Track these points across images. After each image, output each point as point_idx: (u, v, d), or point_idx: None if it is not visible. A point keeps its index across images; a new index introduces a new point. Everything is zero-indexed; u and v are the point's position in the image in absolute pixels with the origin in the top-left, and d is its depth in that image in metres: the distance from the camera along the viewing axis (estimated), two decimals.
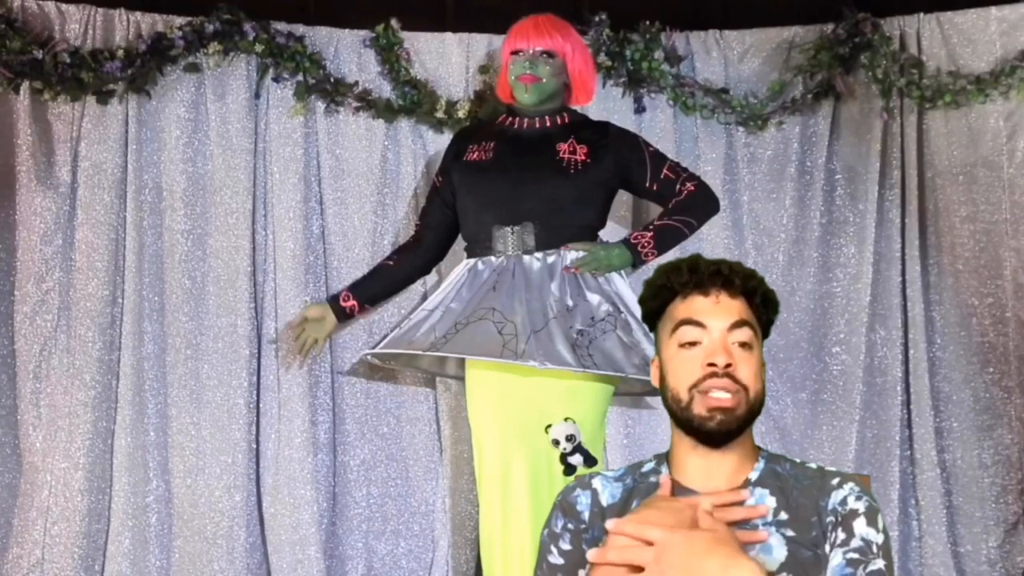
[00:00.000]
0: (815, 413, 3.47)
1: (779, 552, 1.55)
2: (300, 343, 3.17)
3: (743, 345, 1.60)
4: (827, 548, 1.55)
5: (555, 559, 1.63)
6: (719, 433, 1.57)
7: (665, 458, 1.67)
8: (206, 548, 3.22)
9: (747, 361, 1.59)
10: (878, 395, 3.44)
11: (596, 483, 1.66)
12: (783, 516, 1.58)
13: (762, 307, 1.66)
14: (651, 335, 1.79)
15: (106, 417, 3.20)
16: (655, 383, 1.69)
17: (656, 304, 1.68)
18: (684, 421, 1.59)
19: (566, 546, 1.63)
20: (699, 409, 1.57)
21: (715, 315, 1.61)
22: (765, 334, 1.68)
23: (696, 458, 1.61)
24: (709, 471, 1.60)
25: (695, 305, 1.62)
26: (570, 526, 1.63)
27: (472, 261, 2.92)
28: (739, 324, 1.61)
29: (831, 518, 1.57)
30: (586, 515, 1.63)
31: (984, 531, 3.37)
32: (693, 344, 1.60)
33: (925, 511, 3.38)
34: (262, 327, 3.31)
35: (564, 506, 1.65)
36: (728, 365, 1.57)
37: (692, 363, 1.59)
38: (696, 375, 1.58)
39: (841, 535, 1.55)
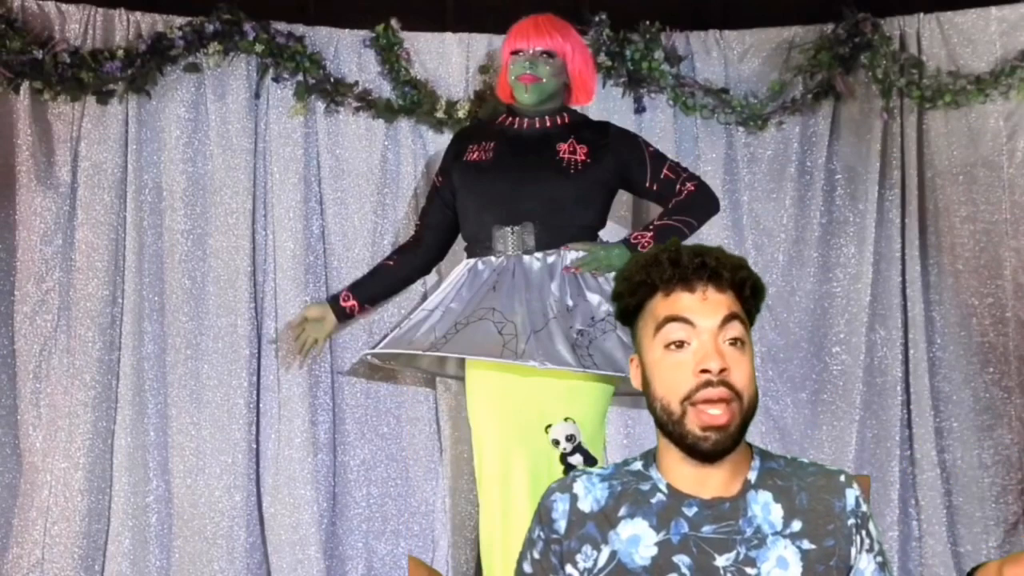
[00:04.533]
0: (815, 413, 3.47)
1: (794, 568, 1.48)
2: (300, 343, 3.16)
3: (735, 342, 1.48)
4: (852, 551, 1.51)
5: (528, 567, 1.57)
6: (714, 453, 1.47)
7: (653, 459, 1.57)
8: (206, 548, 3.22)
9: (741, 362, 1.48)
10: (878, 395, 3.44)
11: (578, 487, 1.56)
12: (796, 526, 1.50)
13: (752, 298, 1.53)
14: None
15: (106, 417, 3.20)
16: (636, 384, 1.59)
17: (634, 301, 1.54)
18: (675, 436, 1.49)
19: (536, 555, 1.56)
20: (692, 426, 1.46)
21: (703, 312, 1.48)
22: (751, 323, 1.57)
23: (687, 467, 1.51)
24: (703, 479, 1.51)
25: (681, 302, 1.49)
26: (542, 535, 1.55)
27: (472, 261, 2.92)
28: (730, 319, 1.48)
29: (852, 520, 1.52)
30: (561, 524, 1.54)
31: (984, 531, 3.37)
32: (680, 345, 1.48)
33: (925, 511, 3.38)
34: (262, 327, 3.31)
35: (541, 512, 1.56)
36: (723, 371, 1.45)
37: (682, 370, 1.47)
38: (688, 385, 1.46)
39: (866, 539, 1.52)
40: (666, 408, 1.49)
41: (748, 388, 1.48)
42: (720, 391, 1.45)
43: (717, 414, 1.45)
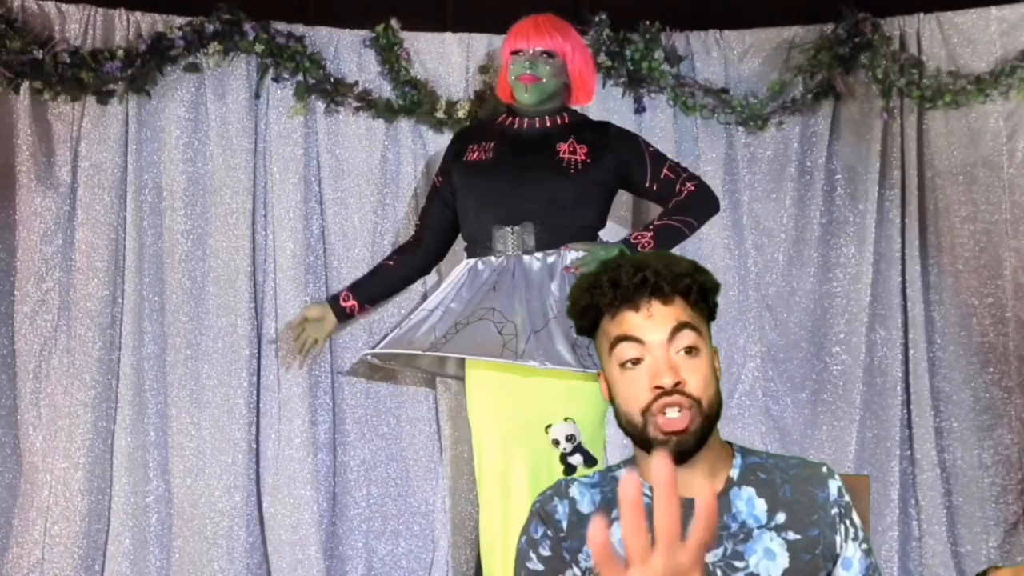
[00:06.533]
0: (815, 413, 3.47)
1: (782, 559, 1.51)
2: (300, 343, 3.16)
3: (688, 351, 1.51)
4: (837, 539, 1.53)
5: (534, 565, 1.57)
6: (678, 454, 1.50)
7: (633, 465, 1.60)
8: (206, 548, 3.23)
9: (695, 369, 1.50)
10: (878, 395, 3.44)
11: (573, 491, 1.58)
12: (781, 518, 1.53)
13: (702, 300, 1.55)
14: None
15: (106, 417, 3.20)
16: (605, 397, 1.61)
17: (585, 324, 1.59)
18: (641, 444, 1.53)
19: (545, 552, 1.56)
20: (654, 432, 1.50)
21: (650, 329, 1.50)
22: (711, 315, 1.59)
23: None
24: (682, 481, 1.48)
25: (628, 321, 1.52)
26: (549, 533, 1.57)
27: (472, 261, 2.92)
28: (679, 329, 1.51)
29: (836, 509, 1.55)
30: (564, 524, 1.56)
31: (984, 531, 3.37)
32: (635, 362, 1.51)
33: (925, 511, 3.38)
34: (262, 327, 3.31)
35: (542, 514, 1.58)
36: (677, 383, 1.48)
37: (638, 385, 1.50)
38: (645, 399, 1.50)
39: (851, 528, 1.55)
40: (630, 421, 1.53)
41: (706, 391, 1.51)
42: (675, 398, 1.49)
43: (676, 418, 1.48)
